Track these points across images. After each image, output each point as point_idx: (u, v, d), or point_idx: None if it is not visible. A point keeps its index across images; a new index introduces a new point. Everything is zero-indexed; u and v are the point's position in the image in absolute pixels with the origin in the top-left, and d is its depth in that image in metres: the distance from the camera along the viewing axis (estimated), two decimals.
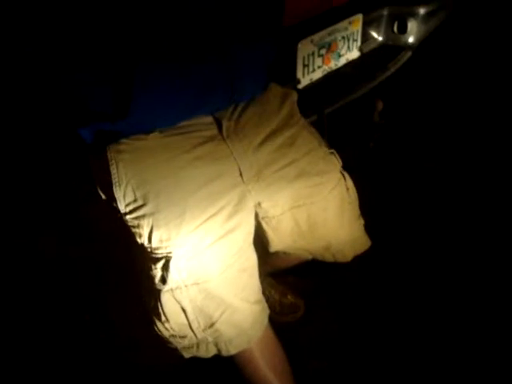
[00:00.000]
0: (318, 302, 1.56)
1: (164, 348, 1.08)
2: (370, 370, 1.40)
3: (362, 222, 1.19)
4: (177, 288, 0.98)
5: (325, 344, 1.49)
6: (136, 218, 0.96)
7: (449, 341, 1.40)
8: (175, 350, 1.09)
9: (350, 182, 1.14)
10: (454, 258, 1.56)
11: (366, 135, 1.54)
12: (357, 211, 1.17)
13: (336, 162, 1.10)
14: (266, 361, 1.12)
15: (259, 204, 1.05)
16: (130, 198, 0.94)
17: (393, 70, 1.63)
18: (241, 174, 0.98)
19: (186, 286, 0.98)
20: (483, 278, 1.48)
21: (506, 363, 1.23)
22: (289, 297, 1.55)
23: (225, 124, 0.96)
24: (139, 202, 0.94)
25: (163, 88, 0.83)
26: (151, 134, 0.91)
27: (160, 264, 0.97)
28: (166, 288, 0.98)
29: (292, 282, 1.56)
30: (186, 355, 1.09)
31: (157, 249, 0.97)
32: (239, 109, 0.99)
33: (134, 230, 0.99)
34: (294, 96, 1.09)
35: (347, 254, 1.19)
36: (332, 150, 1.10)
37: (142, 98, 0.82)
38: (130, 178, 0.92)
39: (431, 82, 1.67)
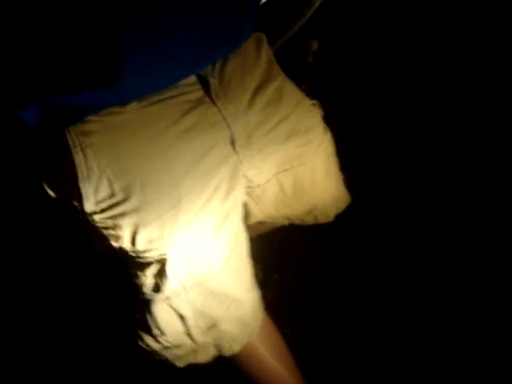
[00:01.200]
0: (273, 264, 1.44)
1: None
2: (336, 334, 1.33)
3: (342, 176, 1.08)
4: (174, 294, 0.79)
5: (286, 309, 1.39)
6: (112, 217, 0.74)
7: (407, 308, 1.34)
8: (165, 361, 0.91)
9: (329, 134, 1.01)
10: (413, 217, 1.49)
11: (299, 77, 1.39)
12: (338, 165, 1.05)
13: (318, 114, 0.96)
14: (269, 350, 0.99)
15: (244, 174, 0.88)
16: (104, 193, 0.71)
17: (318, 3, 1.49)
18: (232, 142, 0.80)
19: (185, 290, 0.80)
20: (443, 250, 1.42)
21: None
22: None
23: (211, 82, 0.75)
24: (118, 197, 0.72)
25: (163, 37, 0.60)
26: (127, 106, 0.68)
27: (151, 270, 0.77)
28: (159, 297, 0.79)
29: None
30: (180, 365, 0.91)
31: (145, 252, 0.76)
32: (219, 61, 0.78)
33: (107, 232, 0.76)
34: (265, 39, 0.91)
35: (330, 213, 1.07)
36: (314, 101, 0.95)
37: (135, 54, 0.58)
38: (104, 166, 0.69)
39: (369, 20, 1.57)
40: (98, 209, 0.73)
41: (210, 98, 0.75)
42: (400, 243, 1.42)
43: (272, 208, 0.99)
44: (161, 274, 0.77)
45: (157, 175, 0.71)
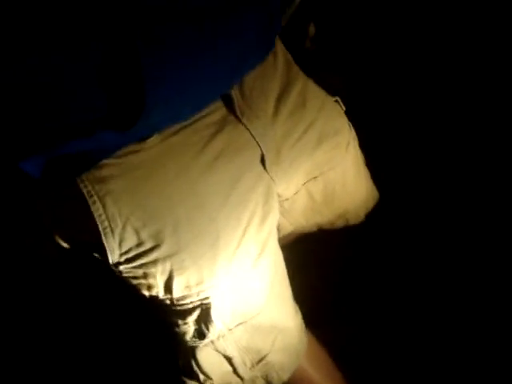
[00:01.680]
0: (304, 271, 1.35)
1: None
2: (368, 331, 1.26)
3: (369, 172, 0.99)
4: (219, 337, 0.71)
5: (315, 310, 1.32)
6: (141, 265, 0.65)
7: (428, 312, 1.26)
8: None
9: (353, 130, 0.92)
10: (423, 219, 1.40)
11: (298, 64, 1.30)
12: (364, 160, 0.97)
13: (342, 111, 0.87)
14: (317, 369, 0.92)
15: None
16: (130, 244, 0.62)
17: None
18: (262, 160, 0.71)
19: (230, 331, 0.71)
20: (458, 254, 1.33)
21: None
22: None
23: (234, 96, 0.66)
24: (147, 245, 0.62)
25: (189, 61, 0.50)
26: (147, 141, 0.58)
27: (193, 317, 0.69)
28: (204, 342, 0.71)
29: None
30: None
31: (183, 298, 0.67)
32: None
33: (136, 281, 0.67)
34: (278, 37, 0.81)
35: (361, 213, 0.99)
36: (336, 98, 0.86)
37: (160, 84, 0.48)
38: (128, 215, 0.60)
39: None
40: (123, 259, 0.64)
41: (235, 115, 0.66)
42: (416, 241, 1.34)
43: (302, 219, 0.91)
44: (204, 319, 0.68)
45: (189, 215, 0.62)
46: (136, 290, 0.68)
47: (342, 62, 1.46)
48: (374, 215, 1.06)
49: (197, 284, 0.66)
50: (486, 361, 1.14)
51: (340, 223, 0.99)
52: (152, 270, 0.64)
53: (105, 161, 0.57)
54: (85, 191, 0.58)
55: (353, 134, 0.90)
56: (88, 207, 0.58)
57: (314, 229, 1.00)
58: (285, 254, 0.87)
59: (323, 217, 0.93)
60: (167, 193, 0.60)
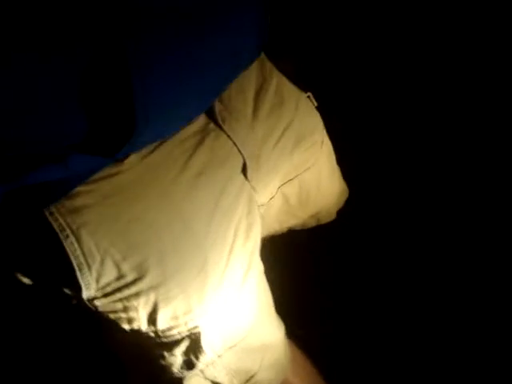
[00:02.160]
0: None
1: None
2: (348, 335, 1.23)
3: (339, 168, 0.95)
4: (208, 365, 0.65)
5: (293, 310, 1.27)
6: (121, 299, 0.57)
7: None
8: None
9: (324, 126, 0.87)
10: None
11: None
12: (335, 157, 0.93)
13: (314, 107, 0.82)
14: (303, 379, 0.89)
15: None
16: (109, 278, 0.55)
17: None
18: (244, 168, 0.65)
19: (219, 357, 0.66)
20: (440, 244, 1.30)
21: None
22: None
23: (214, 103, 0.59)
24: (129, 278, 0.55)
25: (177, 64, 0.42)
26: (125, 162, 0.51)
27: (181, 348, 0.62)
28: (192, 372, 0.65)
29: None
30: None
31: (169, 330, 0.61)
32: None
33: (115, 315, 0.60)
34: None
35: (333, 211, 0.96)
36: (308, 94, 0.81)
37: (149, 98, 0.41)
38: (107, 247, 0.52)
39: None
40: (100, 294, 0.56)
41: (215, 122, 0.59)
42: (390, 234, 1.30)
43: (276, 223, 0.87)
44: (194, 348, 0.62)
45: (176, 240, 0.55)
46: (114, 323, 0.61)
47: (293, 47, 1.41)
48: (345, 212, 1.03)
49: (185, 313, 0.59)
50: (470, 357, 1.13)
51: (312, 223, 0.95)
52: (134, 303, 0.57)
53: (77, 188, 0.49)
54: (55, 225, 0.49)
55: (325, 130, 0.86)
56: (59, 242, 0.50)
57: (285, 231, 0.96)
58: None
59: (297, 219, 0.89)
60: (150, 218, 0.53)
